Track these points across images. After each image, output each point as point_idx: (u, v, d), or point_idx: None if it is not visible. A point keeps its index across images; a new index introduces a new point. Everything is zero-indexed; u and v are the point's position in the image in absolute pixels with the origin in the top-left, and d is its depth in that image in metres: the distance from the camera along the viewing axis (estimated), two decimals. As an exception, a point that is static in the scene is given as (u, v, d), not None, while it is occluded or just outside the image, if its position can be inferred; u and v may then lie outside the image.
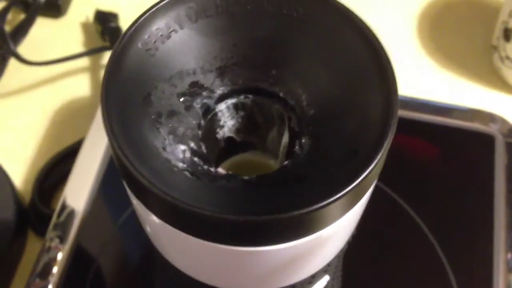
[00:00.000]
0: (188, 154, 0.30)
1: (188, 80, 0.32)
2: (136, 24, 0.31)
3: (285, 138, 0.32)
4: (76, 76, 0.62)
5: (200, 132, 0.31)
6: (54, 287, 0.49)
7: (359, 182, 0.27)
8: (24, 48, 0.57)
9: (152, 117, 0.30)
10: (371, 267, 0.49)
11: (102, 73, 0.62)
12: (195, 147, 0.31)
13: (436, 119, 0.56)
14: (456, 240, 0.50)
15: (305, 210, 0.27)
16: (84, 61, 0.63)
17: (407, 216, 0.52)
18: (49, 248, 0.51)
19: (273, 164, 0.36)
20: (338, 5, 0.31)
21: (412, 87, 0.59)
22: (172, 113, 0.31)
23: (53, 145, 0.58)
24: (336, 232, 0.29)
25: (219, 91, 0.32)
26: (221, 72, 0.33)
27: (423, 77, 0.60)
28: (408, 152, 0.54)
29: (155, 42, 0.31)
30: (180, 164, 0.29)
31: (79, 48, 0.64)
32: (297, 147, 0.31)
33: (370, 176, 0.27)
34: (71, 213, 0.54)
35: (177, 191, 0.27)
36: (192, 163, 0.30)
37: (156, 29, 0.31)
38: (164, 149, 0.29)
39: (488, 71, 0.61)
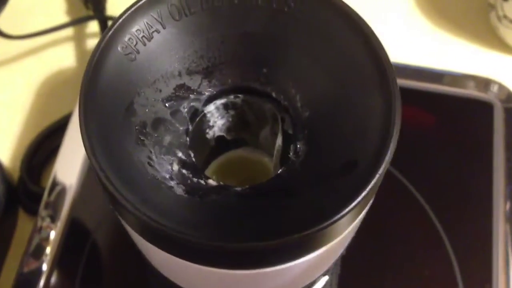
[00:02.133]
0: (176, 167, 0.27)
1: (174, 83, 0.29)
2: (115, 26, 0.27)
3: (279, 141, 0.29)
4: (60, 46, 0.59)
5: (188, 139, 0.28)
6: (49, 267, 0.47)
7: (363, 198, 0.24)
8: (4, 19, 0.53)
9: (136, 128, 0.27)
10: (367, 239, 0.47)
11: (87, 42, 0.58)
12: (183, 157, 0.28)
13: (431, 86, 0.53)
14: (454, 211, 0.48)
15: (306, 233, 0.24)
16: (68, 31, 0.59)
17: (402, 187, 0.50)
18: (41, 228, 0.49)
19: (267, 161, 0.33)
20: (333, 0, 0.28)
21: (404, 49, 0.55)
22: (157, 121, 0.28)
23: (41, 119, 0.55)
24: (337, 245, 0.27)
25: (207, 93, 0.30)
26: (209, 72, 0.29)
27: (415, 38, 0.57)
28: (402, 122, 0.51)
29: (136, 44, 0.28)
30: (168, 180, 0.26)
31: (62, 17, 0.60)
32: (291, 153, 0.28)
33: (372, 189, 0.25)
34: (63, 191, 0.52)
35: (165, 214, 0.25)
36: (180, 176, 0.27)
37: (137, 30, 0.28)
38: (150, 164, 0.26)
39: (485, 30, 0.58)
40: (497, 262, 0.46)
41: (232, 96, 0.30)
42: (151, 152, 0.27)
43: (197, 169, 0.28)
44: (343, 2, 0.28)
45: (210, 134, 0.32)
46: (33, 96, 0.56)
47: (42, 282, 0.47)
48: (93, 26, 0.58)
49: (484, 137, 0.51)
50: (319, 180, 0.27)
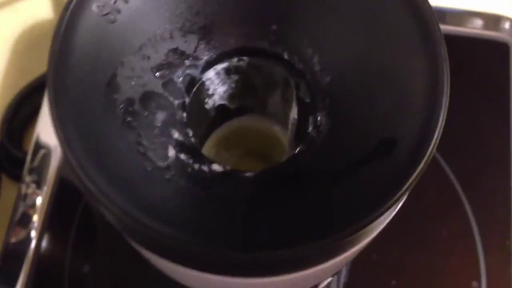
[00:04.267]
0: (172, 151, 0.21)
1: (165, 48, 0.22)
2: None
3: (294, 113, 0.23)
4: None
5: (184, 115, 0.22)
6: (38, 234, 0.41)
7: (406, 189, 0.18)
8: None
9: (121, 107, 0.21)
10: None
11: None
12: (180, 138, 0.22)
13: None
14: (471, 166, 0.42)
15: (333, 239, 0.18)
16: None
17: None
18: (26, 195, 0.43)
19: (278, 131, 0.27)
20: None
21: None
22: (147, 96, 0.22)
23: (19, 78, 0.49)
24: (365, 245, 0.21)
25: (205, 57, 0.23)
26: (207, 32, 0.23)
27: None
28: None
29: (115, 1, 0.21)
30: (162, 170, 0.20)
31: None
32: (311, 127, 0.22)
33: (417, 177, 0.19)
34: (47, 154, 0.45)
35: (160, 215, 0.19)
36: (178, 164, 0.21)
37: (115, -17, 0.21)
38: (139, 151, 0.20)
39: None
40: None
41: (235, 59, 0.24)
42: (140, 136, 0.21)
43: (198, 152, 0.22)
44: None
45: (209, 104, 0.26)
46: (9, 53, 0.50)
47: (31, 251, 0.41)
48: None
49: (500, 80, 0.44)
50: (348, 163, 0.21)
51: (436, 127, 0.20)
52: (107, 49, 0.22)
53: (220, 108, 0.27)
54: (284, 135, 0.28)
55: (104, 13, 0.22)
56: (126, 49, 0.22)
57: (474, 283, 0.42)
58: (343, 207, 0.20)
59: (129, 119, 0.22)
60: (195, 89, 0.24)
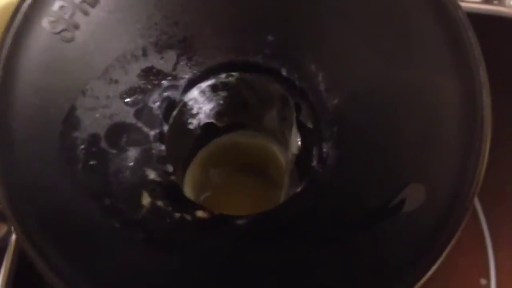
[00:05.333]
0: (147, 200, 0.16)
1: (136, 68, 0.18)
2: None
3: (294, 139, 0.18)
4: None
5: (163, 148, 0.17)
6: None
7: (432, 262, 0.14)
8: None
9: (82, 148, 0.16)
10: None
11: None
12: (158, 178, 0.17)
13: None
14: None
15: None
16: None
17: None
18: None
19: (274, 147, 0.22)
20: None
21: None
22: (115, 129, 0.17)
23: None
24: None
25: (186, 75, 0.18)
26: (187, 46, 0.18)
27: None
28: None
29: (72, 15, 0.16)
30: (135, 227, 0.16)
31: None
32: (315, 161, 0.17)
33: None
34: None
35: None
36: (154, 216, 0.16)
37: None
38: (106, 204, 0.15)
39: None
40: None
41: (223, 75, 0.19)
42: (107, 183, 0.16)
43: (180, 194, 0.18)
44: None
45: (193, 123, 0.21)
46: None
47: (12, 245, 0.36)
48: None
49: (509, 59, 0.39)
50: (361, 216, 0.16)
51: (476, 170, 0.15)
52: (63, 76, 0.17)
53: (207, 126, 0.22)
54: (281, 152, 0.23)
55: (58, 30, 0.17)
56: (87, 73, 0.18)
57: (483, 281, 0.38)
58: (350, 280, 0.15)
59: (92, 162, 0.17)
60: (175, 113, 0.19)
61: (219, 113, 0.22)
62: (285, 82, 0.20)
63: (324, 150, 0.19)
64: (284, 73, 0.20)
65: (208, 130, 0.23)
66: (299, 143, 0.20)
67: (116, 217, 0.17)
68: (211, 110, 0.22)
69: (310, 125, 0.19)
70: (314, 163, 0.19)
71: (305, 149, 0.20)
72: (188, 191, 0.22)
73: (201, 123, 0.22)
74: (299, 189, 0.19)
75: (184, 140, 0.22)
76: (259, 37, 0.19)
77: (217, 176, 0.24)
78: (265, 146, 0.24)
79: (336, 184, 0.18)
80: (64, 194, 0.16)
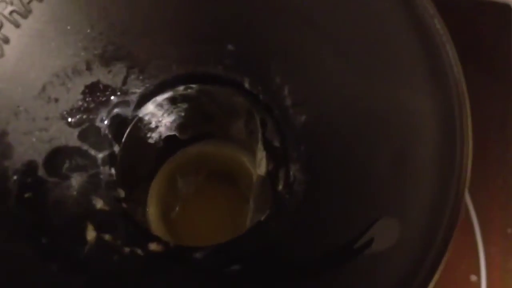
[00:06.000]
0: (92, 234, 0.14)
1: (80, 84, 0.16)
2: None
3: (261, 155, 0.16)
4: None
5: (113, 171, 0.15)
6: None
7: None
8: None
9: (15, 179, 0.13)
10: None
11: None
12: (106, 207, 0.15)
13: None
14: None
15: None
16: None
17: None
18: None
19: (243, 156, 0.20)
20: None
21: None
22: (55, 155, 0.15)
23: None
24: None
25: (138, 90, 0.16)
26: (138, 57, 0.16)
27: None
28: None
29: (0, 28, 0.14)
30: (77, 271, 0.13)
31: None
32: (281, 185, 0.15)
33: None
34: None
35: None
36: (101, 252, 0.14)
37: (-1, 2, 0.14)
38: (42, 243, 0.13)
39: None
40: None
41: (181, 88, 0.17)
42: (44, 217, 0.14)
43: (131, 224, 0.15)
44: None
45: (154, 137, 0.18)
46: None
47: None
48: None
49: (502, 46, 0.37)
50: (329, 251, 0.14)
51: (455, 202, 0.13)
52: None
53: (169, 138, 0.20)
54: (250, 162, 0.21)
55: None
56: (21, 92, 0.15)
57: (473, 277, 0.36)
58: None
59: (27, 194, 0.15)
60: (128, 130, 0.17)
61: (181, 125, 0.20)
62: (248, 95, 0.17)
63: (291, 173, 0.16)
64: (246, 85, 0.17)
65: (171, 142, 0.21)
66: (265, 163, 0.18)
67: (54, 259, 0.15)
68: (172, 122, 0.20)
69: (276, 143, 0.17)
70: (280, 187, 0.16)
71: (272, 170, 0.17)
72: (152, 210, 0.20)
73: (163, 136, 0.20)
74: (263, 218, 0.16)
75: (143, 157, 0.19)
76: (219, 46, 0.17)
77: (185, 187, 0.22)
78: (233, 155, 0.22)
79: (302, 214, 0.16)
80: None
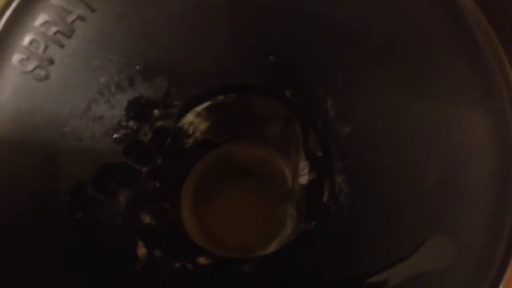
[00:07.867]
0: (143, 250, 0.14)
1: (123, 100, 0.15)
2: None
3: (302, 164, 0.16)
4: None
5: (158, 184, 0.15)
6: None
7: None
8: None
9: (65, 199, 0.13)
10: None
11: None
12: (153, 222, 0.15)
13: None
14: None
15: None
16: None
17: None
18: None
19: (281, 162, 0.20)
20: None
21: None
22: (103, 172, 0.14)
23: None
24: None
25: (179, 102, 0.15)
26: (179, 71, 0.15)
27: None
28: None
29: (45, 49, 0.13)
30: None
31: None
32: (326, 195, 0.15)
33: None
34: None
35: None
36: (153, 269, 0.14)
37: (43, 23, 0.14)
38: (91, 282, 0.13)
39: None
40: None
41: (221, 97, 0.16)
42: (95, 237, 0.13)
43: (178, 237, 0.15)
44: None
45: (189, 143, 0.18)
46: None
47: None
48: None
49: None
50: (379, 267, 0.14)
51: (508, 222, 0.13)
52: (37, 119, 0.14)
53: (203, 141, 0.20)
54: (285, 165, 0.21)
55: (30, 68, 0.14)
56: (68, 112, 0.14)
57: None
58: None
59: (78, 215, 0.14)
60: (169, 141, 0.17)
61: (216, 130, 0.19)
62: (289, 105, 0.17)
63: (337, 184, 0.16)
64: (288, 95, 0.17)
65: (204, 145, 0.20)
66: (308, 172, 0.17)
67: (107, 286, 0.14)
68: (207, 128, 0.19)
69: (319, 153, 0.17)
70: (326, 198, 0.16)
71: (315, 179, 0.17)
72: (186, 215, 0.20)
73: (198, 140, 0.20)
74: (309, 227, 0.16)
75: (178, 162, 0.19)
76: (260, 58, 0.16)
77: (217, 190, 0.22)
78: (266, 157, 0.22)
79: (350, 226, 0.15)
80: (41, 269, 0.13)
